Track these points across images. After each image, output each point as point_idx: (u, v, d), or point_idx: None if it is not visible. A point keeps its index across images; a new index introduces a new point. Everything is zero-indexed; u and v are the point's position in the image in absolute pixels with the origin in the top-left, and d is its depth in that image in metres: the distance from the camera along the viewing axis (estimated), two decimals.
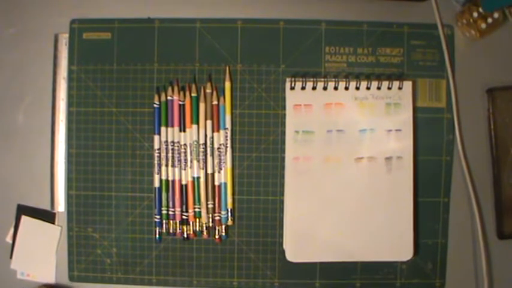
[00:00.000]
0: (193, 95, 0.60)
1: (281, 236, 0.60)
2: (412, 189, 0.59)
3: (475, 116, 0.61)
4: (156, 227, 0.61)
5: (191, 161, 0.60)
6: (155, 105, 0.60)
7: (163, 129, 0.60)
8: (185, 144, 0.60)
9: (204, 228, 0.60)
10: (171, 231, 0.61)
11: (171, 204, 0.60)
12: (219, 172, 0.60)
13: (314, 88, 0.59)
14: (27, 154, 0.62)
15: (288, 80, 0.59)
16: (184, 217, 0.60)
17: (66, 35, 0.61)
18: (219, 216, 0.60)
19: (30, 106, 0.62)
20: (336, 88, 0.59)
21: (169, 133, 0.60)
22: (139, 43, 0.61)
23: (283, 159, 0.60)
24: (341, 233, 0.59)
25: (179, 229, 0.60)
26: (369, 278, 0.60)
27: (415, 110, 0.60)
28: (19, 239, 0.62)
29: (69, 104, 0.61)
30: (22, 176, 0.62)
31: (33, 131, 0.62)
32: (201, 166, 0.60)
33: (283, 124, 0.60)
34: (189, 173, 0.60)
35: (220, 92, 0.60)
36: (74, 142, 0.61)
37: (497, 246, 0.61)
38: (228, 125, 0.60)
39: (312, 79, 0.59)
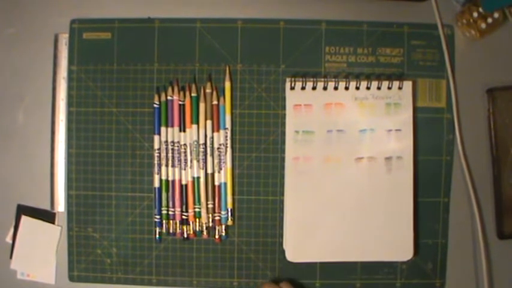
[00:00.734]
0: (193, 95, 0.60)
1: (281, 236, 0.60)
2: (412, 189, 0.59)
3: (475, 116, 0.61)
4: (156, 227, 0.61)
5: (191, 161, 0.60)
6: (155, 105, 0.60)
7: (163, 129, 0.60)
8: (185, 144, 0.60)
9: (204, 228, 0.60)
10: (171, 231, 0.61)
11: (171, 204, 0.60)
12: (219, 172, 0.60)
13: (314, 88, 0.59)
14: (27, 154, 0.62)
15: (288, 80, 0.59)
16: (184, 217, 0.60)
17: (66, 35, 0.61)
18: (219, 216, 0.60)
19: (30, 106, 0.62)
20: (336, 88, 0.59)
21: (169, 133, 0.60)
22: (139, 43, 0.61)
23: (283, 159, 0.60)
24: (341, 233, 0.59)
25: (179, 229, 0.60)
26: (369, 278, 0.60)
27: (415, 110, 0.60)
28: (19, 239, 0.62)
29: (69, 104, 0.61)
30: (22, 176, 0.62)
31: (33, 131, 0.62)
32: (201, 166, 0.60)
33: (283, 124, 0.60)
34: (189, 173, 0.60)
35: (220, 92, 0.60)
36: (74, 142, 0.61)
37: (497, 246, 0.61)
38: (228, 125, 0.60)
39: (312, 79, 0.59)
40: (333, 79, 0.59)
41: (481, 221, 0.60)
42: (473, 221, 0.60)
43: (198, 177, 0.60)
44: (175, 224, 0.60)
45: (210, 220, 0.60)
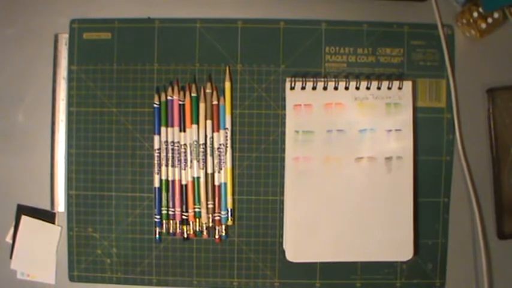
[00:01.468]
0: (193, 95, 0.60)
1: (281, 236, 0.60)
2: (412, 189, 0.59)
3: (475, 116, 0.61)
4: (156, 227, 0.61)
5: (191, 161, 0.60)
6: (155, 105, 0.60)
7: (163, 129, 0.60)
8: (185, 144, 0.60)
9: (204, 228, 0.60)
10: (171, 231, 0.61)
11: (171, 204, 0.60)
12: (219, 172, 0.60)
13: (314, 88, 0.59)
14: (27, 154, 0.62)
15: (288, 80, 0.59)
16: (184, 217, 0.60)
17: (66, 35, 0.61)
18: (219, 216, 0.60)
19: (30, 106, 0.62)
20: (336, 88, 0.59)
21: (169, 133, 0.60)
22: (139, 43, 0.61)
23: (283, 159, 0.60)
24: (341, 233, 0.59)
25: (179, 229, 0.60)
26: (369, 278, 0.60)
27: (415, 110, 0.60)
28: (19, 239, 0.62)
29: (69, 104, 0.61)
30: (22, 176, 0.62)
31: (33, 131, 0.62)
32: (201, 166, 0.60)
33: (283, 124, 0.60)
34: (189, 173, 0.60)
35: (220, 92, 0.60)
36: (74, 142, 0.61)
37: (497, 246, 0.61)
38: (228, 125, 0.60)
39: (312, 79, 0.59)
40: (333, 79, 0.59)
41: (481, 221, 0.60)
42: (473, 221, 0.60)
43: (198, 177, 0.60)
44: (175, 224, 0.60)
45: (210, 220, 0.60)
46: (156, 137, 0.60)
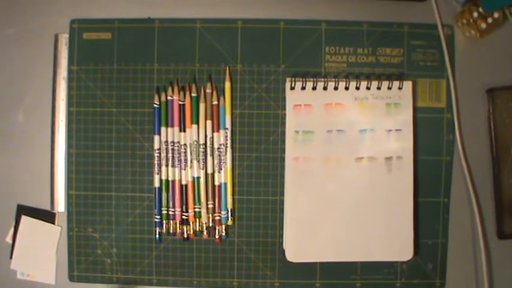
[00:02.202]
0: (193, 95, 0.60)
1: (281, 236, 0.60)
2: (412, 189, 0.59)
3: (475, 116, 0.61)
4: (156, 227, 0.61)
5: (191, 161, 0.60)
6: (155, 105, 0.60)
7: (163, 129, 0.60)
8: (185, 144, 0.60)
9: (204, 228, 0.60)
10: (171, 231, 0.61)
11: (171, 204, 0.60)
12: (219, 172, 0.60)
13: (314, 88, 0.59)
14: (27, 154, 0.62)
15: (288, 80, 0.59)
16: (184, 217, 0.60)
17: (66, 35, 0.61)
18: (219, 216, 0.60)
19: (30, 106, 0.62)
20: (336, 88, 0.59)
21: (169, 133, 0.60)
22: (139, 43, 0.61)
23: (283, 159, 0.60)
24: (341, 233, 0.59)
25: (179, 229, 0.60)
26: (369, 278, 0.60)
27: (415, 110, 0.60)
28: (19, 239, 0.62)
29: (69, 104, 0.61)
30: (22, 176, 0.62)
31: (33, 131, 0.62)
32: (201, 166, 0.60)
33: (283, 124, 0.60)
34: (189, 173, 0.60)
35: (220, 92, 0.60)
36: (74, 142, 0.61)
37: (497, 246, 0.61)
38: (228, 125, 0.60)
39: (312, 79, 0.59)
40: (333, 79, 0.59)
41: (481, 221, 0.60)
42: (473, 221, 0.60)
43: (198, 177, 0.60)
44: (176, 224, 0.60)
45: (210, 220, 0.60)
46: (156, 137, 0.60)
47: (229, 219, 0.60)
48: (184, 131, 0.60)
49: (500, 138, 0.60)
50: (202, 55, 0.61)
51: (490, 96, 0.60)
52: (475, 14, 0.59)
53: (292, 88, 0.59)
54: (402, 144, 0.59)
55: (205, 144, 0.60)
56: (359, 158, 0.59)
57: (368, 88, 0.59)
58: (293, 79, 0.59)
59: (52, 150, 0.62)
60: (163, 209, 0.60)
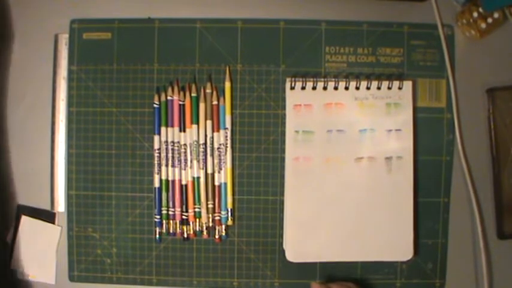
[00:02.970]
0: (193, 95, 0.60)
1: (281, 236, 0.60)
2: (412, 189, 0.59)
3: (475, 116, 0.61)
4: (156, 227, 0.61)
5: (191, 161, 0.60)
6: (155, 105, 0.60)
7: (163, 129, 0.60)
8: (185, 144, 0.60)
9: (204, 228, 0.60)
10: (171, 231, 0.61)
11: (171, 204, 0.60)
12: (219, 172, 0.60)
13: (314, 88, 0.59)
14: (27, 154, 0.62)
15: (288, 80, 0.59)
16: (184, 217, 0.60)
17: (66, 35, 0.61)
18: (219, 216, 0.60)
19: (30, 106, 0.62)
20: (336, 88, 0.59)
21: (169, 133, 0.60)
22: (139, 43, 0.61)
23: (283, 159, 0.60)
24: (341, 233, 0.59)
25: (179, 229, 0.60)
26: (369, 278, 0.60)
27: (415, 110, 0.60)
28: (19, 239, 0.62)
29: (69, 104, 0.61)
30: (22, 176, 0.62)
31: (33, 131, 0.62)
32: (201, 166, 0.60)
33: (283, 124, 0.60)
34: (189, 173, 0.60)
35: (220, 92, 0.60)
36: (74, 142, 0.61)
37: (497, 246, 0.61)
38: (228, 125, 0.60)
39: (312, 79, 0.59)
40: (333, 79, 0.59)
41: (481, 221, 0.60)
42: (473, 221, 0.60)
43: (198, 177, 0.60)
44: (175, 224, 0.60)
45: (210, 220, 0.60)
46: (156, 137, 0.60)
47: (229, 219, 0.60)
48: (184, 131, 0.60)
49: (500, 138, 0.60)
50: (202, 55, 0.61)
51: (490, 96, 0.60)
52: (475, 14, 0.59)
53: (292, 88, 0.59)
54: (402, 144, 0.59)
55: (205, 144, 0.60)
56: (359, 158, 0.59)
57: (368, 88, 0.59)
58: (293, 79, 0.59)
59: (52, 150, 0.62)
60: (163, 209, 0.60)
